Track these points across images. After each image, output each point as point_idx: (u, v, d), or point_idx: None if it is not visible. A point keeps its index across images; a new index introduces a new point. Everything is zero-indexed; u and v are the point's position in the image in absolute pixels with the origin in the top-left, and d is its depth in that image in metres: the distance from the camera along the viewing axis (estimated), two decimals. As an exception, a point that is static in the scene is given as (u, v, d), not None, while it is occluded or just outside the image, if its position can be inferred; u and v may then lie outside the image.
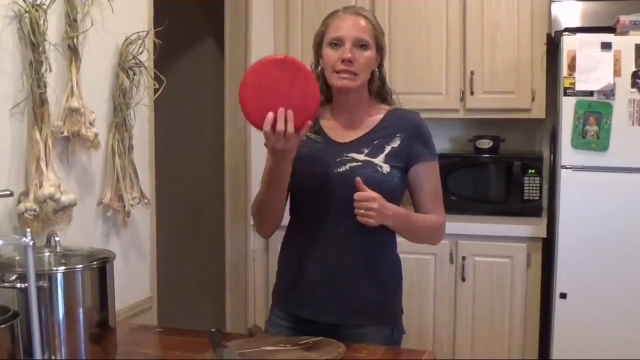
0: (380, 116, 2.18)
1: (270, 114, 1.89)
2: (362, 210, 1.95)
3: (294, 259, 2.19)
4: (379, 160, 2.10)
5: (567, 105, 3.24)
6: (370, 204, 1.94)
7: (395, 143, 2.13)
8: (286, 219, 2.23)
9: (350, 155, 2.11)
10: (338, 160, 2.10)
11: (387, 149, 2.12)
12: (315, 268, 2.13)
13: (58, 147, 2.22)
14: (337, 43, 2.10)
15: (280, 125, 1.89)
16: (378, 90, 2.21)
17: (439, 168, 2.21)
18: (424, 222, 2.16)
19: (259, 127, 1.91)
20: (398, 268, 2.24)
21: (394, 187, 2.10)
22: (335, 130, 2.17)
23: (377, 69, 2.18)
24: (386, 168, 2.09)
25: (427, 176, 2.16)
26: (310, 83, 1.95)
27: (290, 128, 1.89)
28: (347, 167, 2.09)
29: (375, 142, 2.13)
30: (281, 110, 1.89)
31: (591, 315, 3.24)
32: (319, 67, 2.18)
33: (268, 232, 2.23)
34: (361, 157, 2.10)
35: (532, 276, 3.52)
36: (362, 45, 2.10)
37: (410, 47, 3.87)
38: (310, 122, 1.93)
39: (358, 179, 1.96)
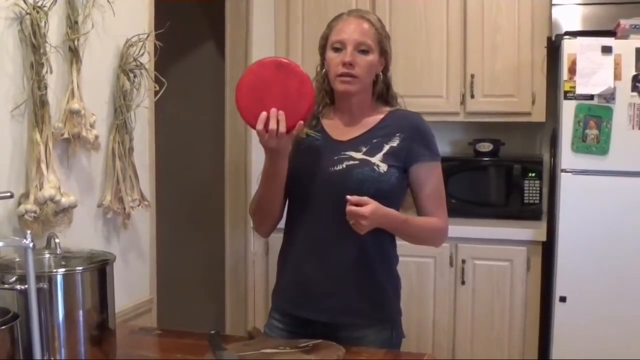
0: (380, 116, 2.18)
1: (264, 113, 1.96)
2: (353, 222, 1.96)
3: (292, 257, 2.19)
4: (376, 159, 2.09)
5: (568, 109, 3.24)
6: (360, 220, 1.94)
7: (395, 142, 2.12)
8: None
9: (348, 153, 2.11)
10: (335, 158, 2.10)
11: (386, 148, 2.11)
12: (312, 267, 2.13)
13: (58, 149, 2.22)
14: (339, 47, 2.11)
15: (272, 125, 1.95)
16: (381, 94, 2.21)
17: (441, 170, 2.19)
18: (422, 226, 2.15)
19: (252, 124, 1.98)
20: (396, 268, 2.23)
21: (391, 186, 2.09)
22: (336, 129, 2.18)
23: (381, 73, 2.18)
24: (383, 167, 2.08)
25: (427, 177, 2.15)
26: (305, 86, 2.00)
27: (282, 128, 1.95)
28: (344, 165, 2.09)
29: (374, 140, 2.13)
30: (273, 110, 1.96)
31: (591, 318, 3.24)
32: (324, 70, 2.18)
33: (266, 231, 2.25)
34: (359, 155, 2.10)
35: (531, 280, 3.52)
36: (363, 49, 2.10)
37: (411, 50, 3.88)
38: (302, 123, 1.99)
39: (348, 197, 1.94)
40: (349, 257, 2.11)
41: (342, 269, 2.11)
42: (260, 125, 1.96)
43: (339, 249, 2.10)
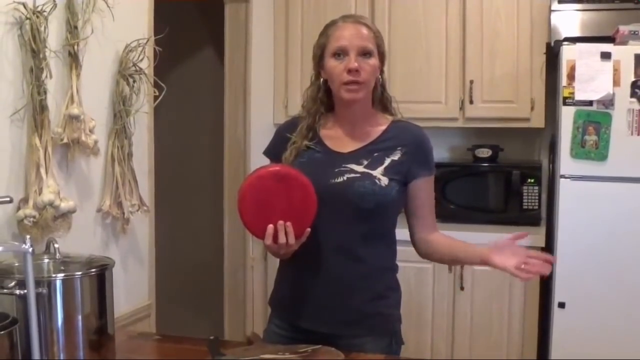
0: (382, 127, 2.16)
1: (270, 227, 1.96)
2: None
3: (292, 268, 2.18)
4: (377, 172, 2.07)
5: (566, 115, 3.24)
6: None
7: (396, 156, 2.10)
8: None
9: (349, 166, 2.09)
10: (336, 170, 2.09)
11: (387, 161, 2.10)
12: (312, 278, 2.12)
13: (58, 154, 2.22)
14: (340, 53, 2.07)
15: (281, 239, 1.96)
16: (379, 98, 2.19)
17: (437, 177, 2.22)
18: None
19: (260, 238, 1.98)
20: (396, 277, 2.23)
21: (391, 200, 2.08)
22: (336, 140, 2.15)
23: (380, 76, 2.16)
24: (384, 181, 2.07)
25: (426, 190, 2.16)
26: (308, 193, 1.99)
27: (291, 240, 1.96)
28: (345, 177, 2.07)
29: (376, 154, 2.11)
30: (280, 223, 1.95)
31: (590, 324, 3.24)
32: (320, 79, 2.16)
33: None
34: (360, 168, 2.09)
35: (530, 285, 3.51)
36: (366, 53, 2.07)
37: (410, 56, 3.88)
38: (309, 230, 1.98)
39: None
40: (349, 270, 2.10)
41: (342, 282, 2.10)
42: (268, 240, 1.96)
43: (339, 262, 2.09)
